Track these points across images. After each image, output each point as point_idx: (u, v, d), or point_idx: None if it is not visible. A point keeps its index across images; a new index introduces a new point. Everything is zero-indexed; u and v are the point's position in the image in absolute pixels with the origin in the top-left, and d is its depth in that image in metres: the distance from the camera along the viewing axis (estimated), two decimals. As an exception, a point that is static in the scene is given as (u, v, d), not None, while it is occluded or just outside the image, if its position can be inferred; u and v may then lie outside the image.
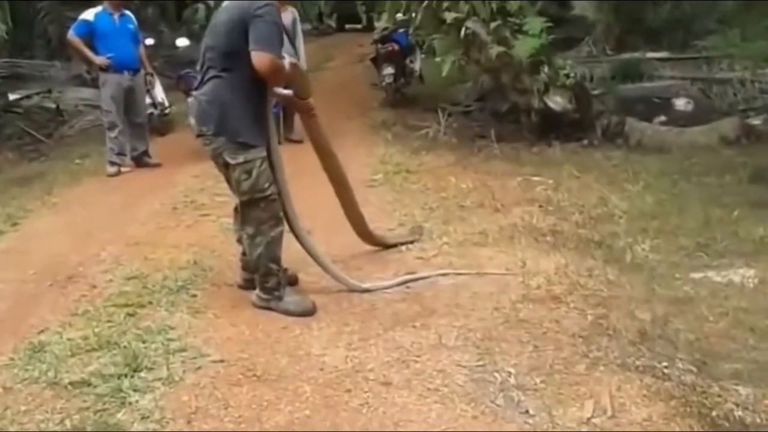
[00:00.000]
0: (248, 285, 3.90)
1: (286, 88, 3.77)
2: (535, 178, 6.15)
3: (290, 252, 3.98)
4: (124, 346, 3.29)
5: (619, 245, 4.57)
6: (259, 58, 3.40)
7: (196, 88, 3.74)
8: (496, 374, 3.02)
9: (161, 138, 8.77)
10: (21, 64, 12.49)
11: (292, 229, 3.90)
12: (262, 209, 3.63)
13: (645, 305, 3.66)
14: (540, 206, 5.39)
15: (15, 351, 3.35)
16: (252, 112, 3.60)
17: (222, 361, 3.19)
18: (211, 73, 3.61)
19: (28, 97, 11.33)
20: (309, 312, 3.68)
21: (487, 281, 3.99)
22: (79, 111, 10.86)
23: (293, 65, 3.71)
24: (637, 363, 3.09)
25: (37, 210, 6.12)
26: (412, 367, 3.10)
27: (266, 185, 3.59)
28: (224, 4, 3.74)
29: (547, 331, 3.38)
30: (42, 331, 3.56)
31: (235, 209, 3.89)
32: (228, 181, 3.76)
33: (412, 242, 4.66)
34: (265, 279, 3.71)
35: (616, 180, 6.16)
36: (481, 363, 3.11)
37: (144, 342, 3.34)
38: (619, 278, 4.01)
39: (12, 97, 11.02)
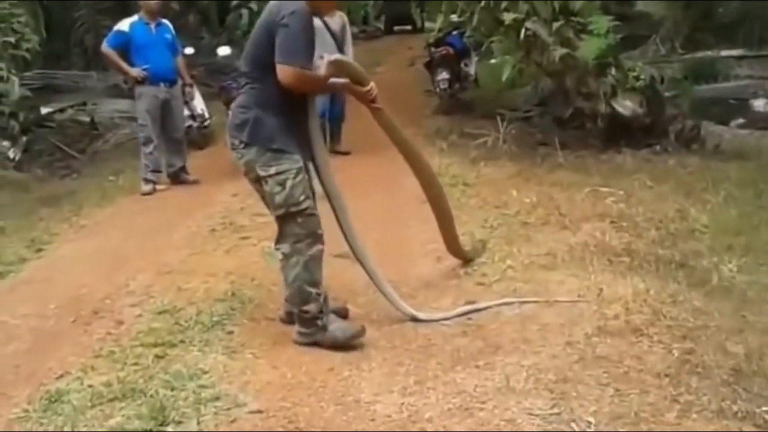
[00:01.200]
0: (291, 318, 3.58)
1: None
2: (605, 190, 5.72)
3: (335, 280, 3.69)
4: (151, 395, 2.97)
5: (702, 265, 4.17)
6: (283, 72, 3.21)
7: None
8: (574, 424, 2.65)
9: (200, 152, 8.52)
10: (56, 74, 12.41)
11: (349, 245, 3.63)
12: (298, 224, 3.35)
13: (737, 336, 3.27)
14: (612, 222, 4.96)
15: (30, 401, 3.06)
16: (287, 120, 3.35)
17: (260, 411, 2.86)
18: (245, 82, 3.46)
19: (61, 110, 11.20)
20: (359, 335, 3.41)
21: (557, 310, 3.60)
22: (115, 123, 10.70)
23: (334, 63, 3.43)
24: (734, 408, 2.71)
25: (63, 233, 5.88)
26: (477, 416, 2.74)
27: (302, 198, 3.33)
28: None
29: (629, 370, 2.99)
30: (61, 377, 3.26)
31: None
32: (263, 198, 3.48)
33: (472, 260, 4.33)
34: (305, 307, 3.39)
35: (694, 190, 5.69)
36: (555, 411, 2.73)
37: (173, 389, 3.02)
38: (705, 304, 3.61)
39: (45, 110, 10.87)
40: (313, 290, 3.39)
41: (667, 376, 2.92)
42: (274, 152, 3.31)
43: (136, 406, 2.91)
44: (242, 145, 3.35)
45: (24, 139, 9.37)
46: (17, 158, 9.13)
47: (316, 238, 3.40)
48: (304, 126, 3.45)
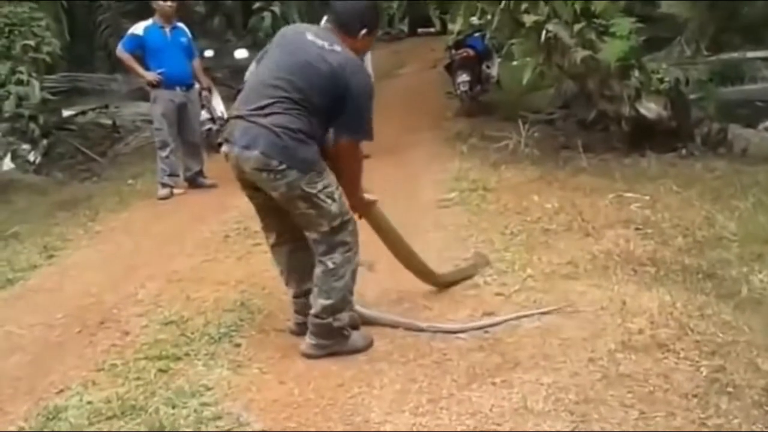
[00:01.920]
0: (302, 330, 3.47)
1: None
2: (629, 195, 5.55)
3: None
4: (151, 413, 2.86)
5: (731, 275, 3.99)
6: (345, 145, 3.31)
7: (255, 110, 3.27)
8: (595, 450, 2.49)
9: (219, 155, 8.40)
10: (81, 78, 12.47)
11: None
12: (350, 233, 3.32)
13: (768, 353, 3.08)
14: (637, 228, 4.80)
15: (27, 417, 2.97)
16: (317, 146, 3.29)
17: (264, 432, 2.74)
18: (283, 103, 3.20)
19: (83, 113, 11.24)
20: (372, 342, 3.41)
21: (579, 323, 3.45)
22: (136, 127, 10.68)
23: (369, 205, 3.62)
24: (767, 432, 2.53)
25: (77, 239, 5.81)
26: (492, 438, 2.59)
27: (347, 206, 3.34)
28: (306, 28, 3.45)
29: (655, 390, 2.83)
30: (61, 392, 3.16)
31: (272, 246, 3.54)
32: (291, 215, 3.34)
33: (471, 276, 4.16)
34: (339, 316, 3.31)
35: (721, 195, 5.49)
36: (576, 435, 2.58)
37: (174, 407, 2.90)
38: (735, 318, 3.44)
39: (66, 113, 10.90)
40: (348, 299, 3.37)
41: (695, 396, 2.77)
42: (315, 172, 3.24)
43: (135, 424, 2.80)
44: (283, 167, 3.17)
45: (44, 142, 9.41)
46: (37, 161, 9.18)
47: (357, 247, 3.39)
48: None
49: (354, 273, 3.36)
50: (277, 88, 3.22)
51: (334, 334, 3.33)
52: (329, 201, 3.24)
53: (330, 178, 3.28)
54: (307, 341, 3.36)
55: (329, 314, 3.30)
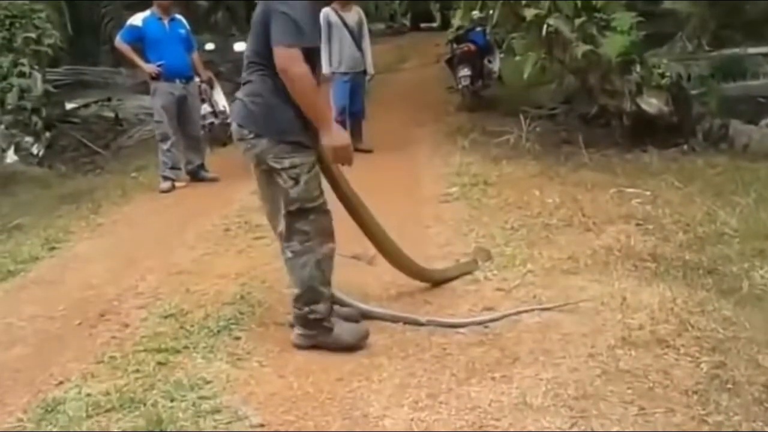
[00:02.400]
0: None
1: None
2: (630, 190, 5.55)
3: (348, 283, 3.65)
4: (150, 406, 2.84)
5: (732, 272, 3.98)
6: (279, 56, 3.06)
7: (240, 88, 3.35)
8: (594, 446, 2.47)
9: (222, 148, 8.36)
10: (85, 71, 12.48)
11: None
12: (309, 222, 3.21)
13: (769, 348, 3.07)
14: (638, 224, 4.79)
15: (26, 410, 2.95)
16: (299, 112, 3.17)
17: (262, 425, 2.71)
18: (251, 71, 3.24)
19: (86, 105, 11.27)
20: (366, 336, 3.33)
21: (579, 319, 3.43)
22: (139, 120, 10.68)
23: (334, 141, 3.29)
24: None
25: (79, 232, 5.79)
26: (491, 434, 2.58)
27: (316, 193, 3.22)
28: None
29: (654, 386, 2.82)
30: (60, 384, 3.14)
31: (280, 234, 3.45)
32: (263, 192, 3.37)
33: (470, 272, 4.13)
34: (313, 307, 3.26)
35: (723, 191, 5.49)
36: (575, 430, 2.57)
37: (172, 400, 2.88)
38: (735, 314, 3.42)
39: (69, 106, 10.93)
40: (325, 290, 3.29)
41: (695, 392, 2.75)
42: (287, 144, 3.17)
43: (133, 417, 2.78)
44: (252, 136, 3.20)
45: (47, 134, 9.42)
46: (40, 154, 9.19)
47: (328, 236, 3.27)
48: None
49: (320, 264, 3.25)
50: (247, 60, 3.28)
51: (314, 325, 3.29)
52: (290, 182, 3.16)
53: (304, 159, 3.17)
54: (295, 331, 3.36)
55: (302, 304, 3.27)
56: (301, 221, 3.21)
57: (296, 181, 3.16)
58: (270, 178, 3.25)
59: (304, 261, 3.23)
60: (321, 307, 3.27)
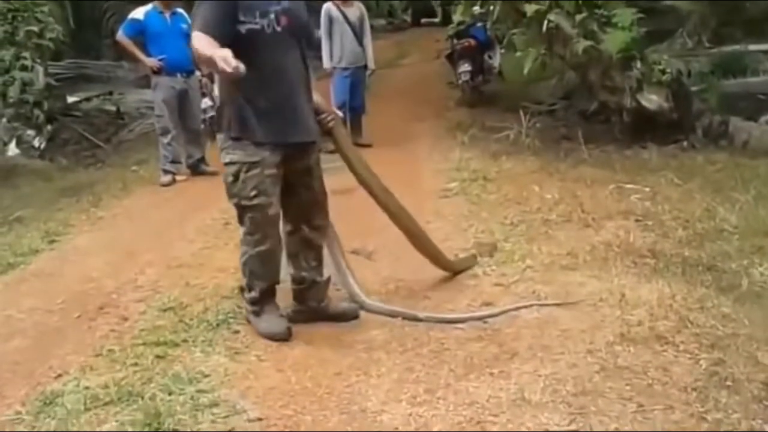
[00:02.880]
0: (298, 317, 3.49)
1: None
2: (630, 186, 5.54)
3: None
4: (148, 399, 2.84)
5: (731, 268, 3.97)
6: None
7: None
8: (592, 443, 2.47)
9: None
10: (87, 64, 12.47)
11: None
12: (248, 219, 3.28)
13: (768, 346, 3.06)
14: (637, 220, 4.79)
15: (25, 402, 2.95)
16: (253, 105, 3.19)
17: (260, 419, 2.71)
18: None
19: (87, 99, 11.26)
20: (277, 338, 3.32)
21: (578, 315, 3.43)
22: (140, 113, 10.65)
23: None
24: (767, 428, 2.51)
25: (79, 225, 5.79)
26: (488, 431, 2.58)
27: (253, 193, 3.20)
28: None
29: (653, 383, 2.81)
30: (59, 376, 3.14)
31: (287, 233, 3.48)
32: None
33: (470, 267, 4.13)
34: (248, 290, 3.42)
35: (722, 188, 5.47)
36: (573, 427, 2.56)
37: (171, 394, 2.87)
38: (735, 311, 3.41)
39: (71, 99, 10.93)
40: (258, 282, 3.36)
41: (694, 390, 2.74)
42: (233, 140, 3.22)
43: (131, 410, 2.77)
44: (218, 130, 3.33)
45: (49, 128, 9.42)
46: (42, 147, 9.20)
47: (265, 237, 3.28)
48: (281, 113, 3.25)
49: (254, 261, 3.33)
50: None
51: (247, 302, 3.42)
52: (231, 178, 3.23)
53: (244, 158, 3.18)
54: None
55: (245, 282, 3.42)
56: (242, 216, 3.29)
57: (235, 177, 3.21)
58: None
59: (243, 251, 3.36)
60: (251, 295, 3.39)
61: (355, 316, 3.54)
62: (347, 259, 3.75)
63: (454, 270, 4.03)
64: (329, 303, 3.59)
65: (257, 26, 3.15)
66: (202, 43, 3.02)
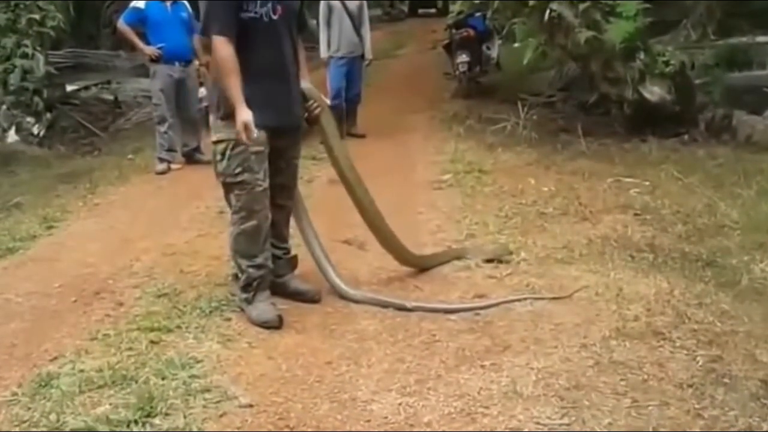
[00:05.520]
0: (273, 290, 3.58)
1: None
2: (629, 180, 5.49)
3: (339, 267, 3.59)
4: (141, 383, 2.84)
5: (732, 264, 3.91)
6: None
7: None
8: (585, 438, 2.41)
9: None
10: (86, 54, 12.60)
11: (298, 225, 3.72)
12: (235, 196, 3.36)
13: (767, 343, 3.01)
14: (635, 214, 4.73)
15: (21, 384, 2.94)
16: (247, 89, 3.23)
17: (251, 405, 2.68)
18: None
19: (86, 88, 11.36)
20: (268, 325, 3.33)
21: (572, 309, 3.36)
22: (137, 102, 10.77)
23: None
24: (765, 427, 2.46)
25: (77, 211, 5.76)
26: (479, 423, 2.52)
27: (238, 170, 3.30)
28: None
29: (649, 379, 2.75)
30: (55, 359, 3.14)
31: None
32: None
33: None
34: (239, 275, 3.46)
35: (723, 183, 5.40)
36: (565, 421, 2.50)
37: (164, 378, 2.87)
38: (734, 307, 3.36)
39: (70, 88, 11.00)
40: (244, 262, 3.41)
41: (690, 386, 2.69)
42: (222, 120, 3.31)
43: (124, 394, 2.78)
44: (212, 115, 3.42)
45: (48, 115, 9.43)
46: (41, 134, 9.21)
47: (251, 213, 3.35)
48: (269, 97, 3.33)
49: (239, 239, 3.39)
50: None
51: (240, 289, 3.44)
52: (219, 156, 3.32)
53: (228, 134, 3.25)
54: None
55: (235, 269, 3.47)
56: (230, 194, 3.38)
57: (222, 155, 3.30)
58: None
59: (230, 231, 3.45)
60: (242, 277, 3.42)
61: (315, 300, 3.59)
62: (325, 249, 3.76)
63: (423, 267, 3.98)
64: (290, 280, 3.67)
65: (256, 15, 3.28)
66: (229, 66, 3.20)
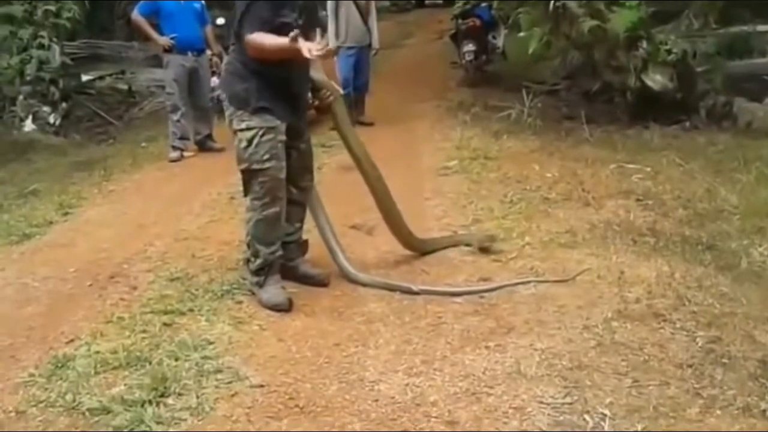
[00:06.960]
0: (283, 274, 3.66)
1: None
2: (631, 166, 5.52)
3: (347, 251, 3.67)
4: (155, 365, 2.92)
5: (731, 248, 3.97)
6: (246, 44, 3.34)
7: None
8: (587, 417, 2.48)
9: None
10: (100, 44, 12.72)
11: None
12: (258, 183, 3.42)
13: (766, 325, 3.08)
14: (637, 199, 4.78)
15: (38, 365, 3.02)
16: (265, 82, 3.40)
17: (262, 386, 2.76)
18: (232, 43, 3.53)
19: (101, 78, 11.50)
20: (279, 308, 3.41)
21: (575, 291, 3.43)
22: (151, 92, 10.91)
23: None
24: (762, 405, 2.51)
25: (92, 198, 5.87)
26: (484, 402, 2.59)
27: (266, 157, 3.38)
28: None
29: (649, 359, 2.82)
30: (71, 341, 3.22)
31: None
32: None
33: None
34: (252, 259, 3.52)
35: (724, 169, 5.45)
36: (568, 400, 2.57)
37: (177, 360, 2.95)
38: (733, 290, 3.42)
39: (85, 78, 11.14)
40: (262, 248, 3.47)
41: (689, 366, 2.75)
42: (247, 110, 3.39)
43: (139, 375, 2.86)
44: (225, 100, 3.48)
45: (64, 105, 9.57)
46: (57, 123, 9.36)
47: (274, 200, 3.43)
48: (288, 88, 3.46)
49: (259, 225, 3.45)
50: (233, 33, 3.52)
51: (252, 273, 3.52)
52: (244, 143, 3.38)
53: (259, 122, 3.36)
54: None
55: (249, 253, 3.53)
56: (252, 181, 3.43)
57: (249, 142, 3.37)
58: (234, 138, 3.48)
59: (249, 217, 3.49)
60: (257, 261, 3.48)
61: (324, 284, 3.67)
62: (336, 233, 3.84)
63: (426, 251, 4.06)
64: (300, 264, 3.75)
65: (288, 20, 3.35)
66: (268, 38, 3.26)
